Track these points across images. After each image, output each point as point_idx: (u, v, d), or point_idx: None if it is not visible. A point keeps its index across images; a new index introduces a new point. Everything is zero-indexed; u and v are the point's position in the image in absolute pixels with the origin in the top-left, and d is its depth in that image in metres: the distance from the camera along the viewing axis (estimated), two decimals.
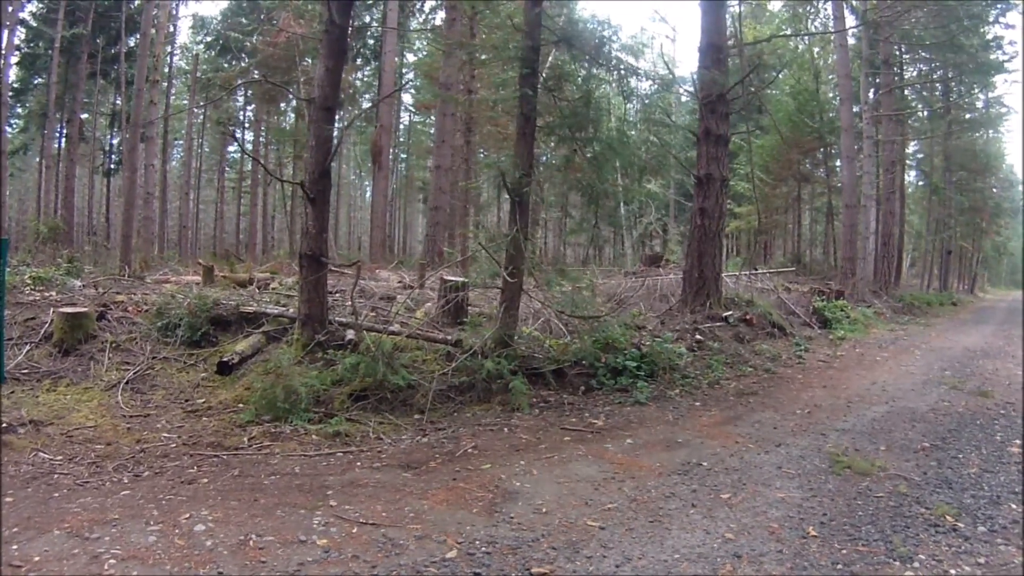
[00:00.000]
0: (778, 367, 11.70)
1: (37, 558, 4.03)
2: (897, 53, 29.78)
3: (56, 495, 5.08)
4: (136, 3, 32.55)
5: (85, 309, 9.28)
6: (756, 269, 22.82)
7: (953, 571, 4.31)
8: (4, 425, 6.46)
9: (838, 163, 33.76)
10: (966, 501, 5.51)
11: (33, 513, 4.69)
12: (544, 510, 5.14)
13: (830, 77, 36.52)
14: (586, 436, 7.36)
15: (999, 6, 24.44)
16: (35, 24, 31.43)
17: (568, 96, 10.06)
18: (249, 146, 44.68)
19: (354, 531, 4.62)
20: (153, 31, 24.44)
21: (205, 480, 5.57)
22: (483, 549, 4.45)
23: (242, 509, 4.90)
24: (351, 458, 6.39)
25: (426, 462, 6.29)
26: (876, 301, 23.19)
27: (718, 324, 12.87)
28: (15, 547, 4.16)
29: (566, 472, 6.07)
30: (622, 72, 10.81)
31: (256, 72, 35.08)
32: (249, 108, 45.75)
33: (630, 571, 4.24)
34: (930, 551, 4.58)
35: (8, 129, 30.16)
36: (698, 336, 11.98)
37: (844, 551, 4.55)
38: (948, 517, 5.12)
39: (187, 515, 4.72)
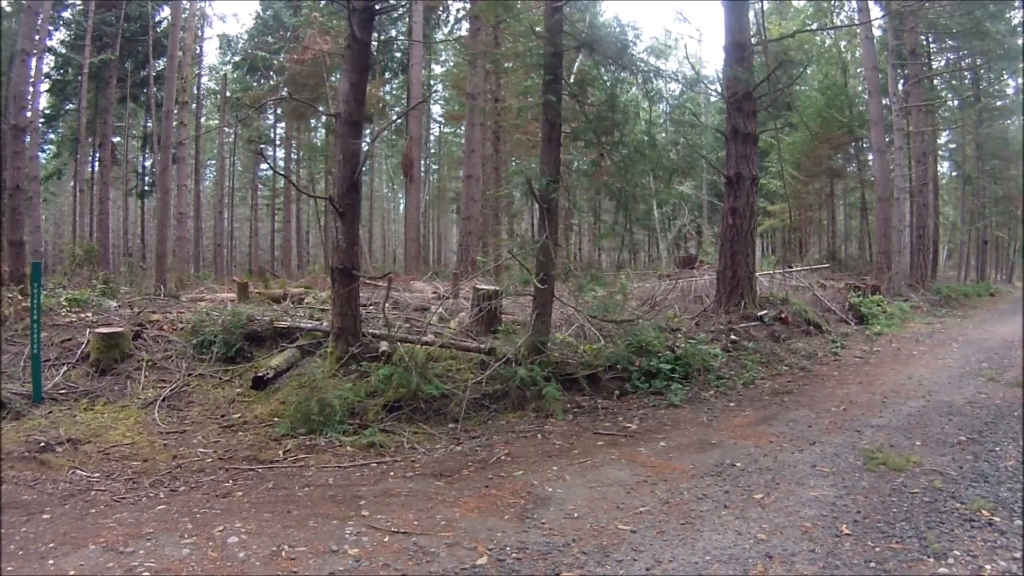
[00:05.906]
0: (813, 365, 11.59)
1: (72, 572, 4.10)
2: (924, 43, 29.47)
3: (93, 511, 5.16)
4: (163, 27, 33.01)
5: (121, 329, 9.42)
6: (791, 267, 22.63)
7: (988, 566, 4.24)
8: (42, 444, 6.58)
9: (870, 157, 33.43)
10: (1002, 495, 5.43)
11: (69, 529, 4.77)
12: (575, 515, 5.14)
13: (858, 70, 36.26)
14: (619, 440, 7.34)
15: None
16: (63, 51, 31.97)
17: (593, 100, 10.05)
18: (281, 163, 45.24)
19: (385, 540, 4.65)
20: (180, 53, 24.72)
21: (240, 493, 5.63)
22: (513, 555, 4.46)
23: (275, 521, 4.94)
24: (384, 468, 6.43)
25: (459, 470, 6.32)
26: (913, 295, 22.90)
27: (753, 324, 12.77)
28: (51, 562, 4.23)
29: (598, 476, 6.06)
30: (646, 74, 10.74)
31: (284, 90, 35.38)
32: (280, 125, 46.35)
33: (660, 573, 4.22)
34: (965, 546, 4.52)
35: (41, 155, 30.67)
36: (733, 336, 11.90)
37: (877, 549, 4.50)
38: (984, 511, 5.05)
39: (221, 528, 4.78)
